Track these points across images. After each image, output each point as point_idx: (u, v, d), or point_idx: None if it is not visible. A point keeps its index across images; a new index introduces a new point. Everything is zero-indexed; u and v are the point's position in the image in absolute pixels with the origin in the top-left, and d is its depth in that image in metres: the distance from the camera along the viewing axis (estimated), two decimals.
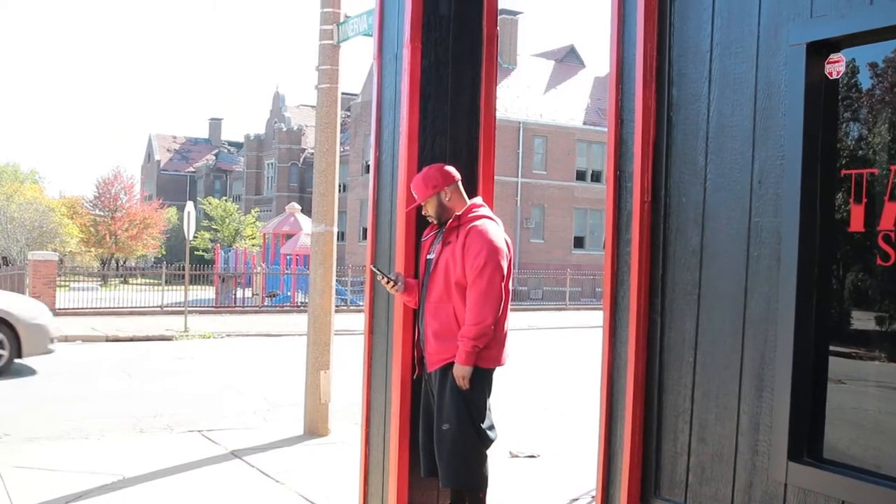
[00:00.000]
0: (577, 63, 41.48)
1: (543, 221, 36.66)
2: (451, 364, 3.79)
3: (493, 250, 3.76)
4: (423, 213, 4.04)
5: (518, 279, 30.94)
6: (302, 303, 24.93)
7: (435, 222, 4.01)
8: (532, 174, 36.13)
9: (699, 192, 3.06)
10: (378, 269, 3.99)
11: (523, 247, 34.76)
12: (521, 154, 35.59)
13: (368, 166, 40.52)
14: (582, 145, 37.38)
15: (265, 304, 24.65)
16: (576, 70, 40.55)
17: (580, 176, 37.46)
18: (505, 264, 3.80)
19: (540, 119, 36.24)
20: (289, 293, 25.75)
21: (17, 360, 10.43)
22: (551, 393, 10.08)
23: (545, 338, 18.54)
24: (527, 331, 19.85)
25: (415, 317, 4.25)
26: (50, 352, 10.59)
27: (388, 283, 3.98)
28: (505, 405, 8.78)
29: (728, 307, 2.91)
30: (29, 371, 10.80)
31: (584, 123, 37.46)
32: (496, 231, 3.86)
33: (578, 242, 37.66)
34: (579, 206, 37.34)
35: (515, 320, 20.90)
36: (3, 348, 10.20)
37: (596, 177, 37.86)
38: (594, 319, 23.47)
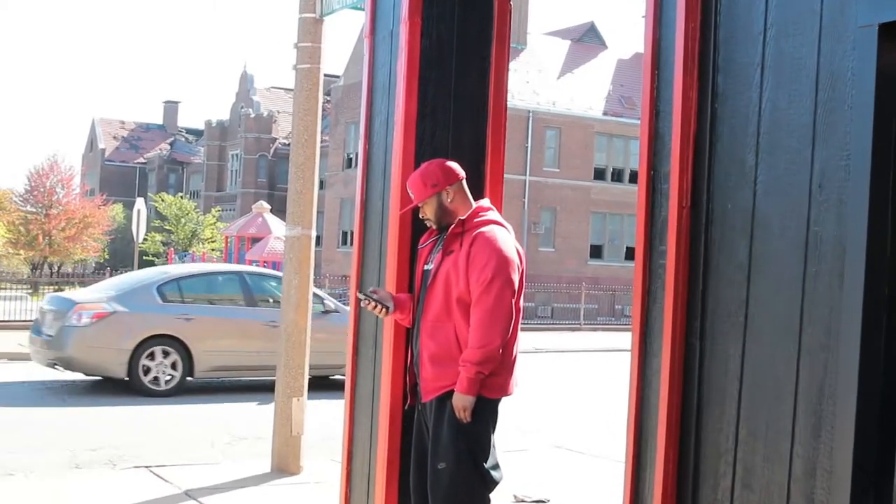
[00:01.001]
0: (597, 43, 41.67)
1: (555, 227, 36.74)
2: (450, 393, 3.78)
3: (503, 261, 3.76)
4: (420, 216, 4.04)
5: (524, 294, 30.96)
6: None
7: (434, 227, 4.02)
8: (542, 172, 36.23)
9: (748, 197, 3.07)
10: (364, 295, 3.99)
11: (531, 256, 34.73)
12: (529, 148, 35.69)
13: (351, 160, 41.04)
14: (601, 139, 37.52)
15: None
16: (595, 52, 40.72)
17: (598, 175, 37.58)
18: (516, 278, 3.80)
19: (553, 108, 36.37)
20: None
21: None
22: (564, 428, 10.08)
23: (556, 362, 18.54)
24: (534, 354, 19.86)
25: (408, 337, 4.24)
26: None
27: (373, 306, 3.98)
28: (510, 441, 8.78)
29: (781, 332, 2.92)
30: None
31: (605, 114, 37.60)
32: (506, 239, 3.87)
33: (595, 252, 37.76)
34: (597, 209, 37.45)
35: (521, 341, 20.91)
36: None
37: (617, 175, 37.98)
38: (613, 341, 23.47)
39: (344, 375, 13.36)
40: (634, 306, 3.49)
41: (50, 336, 11.42)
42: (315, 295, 11.17)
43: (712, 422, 3.14)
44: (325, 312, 12.18)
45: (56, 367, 11.43)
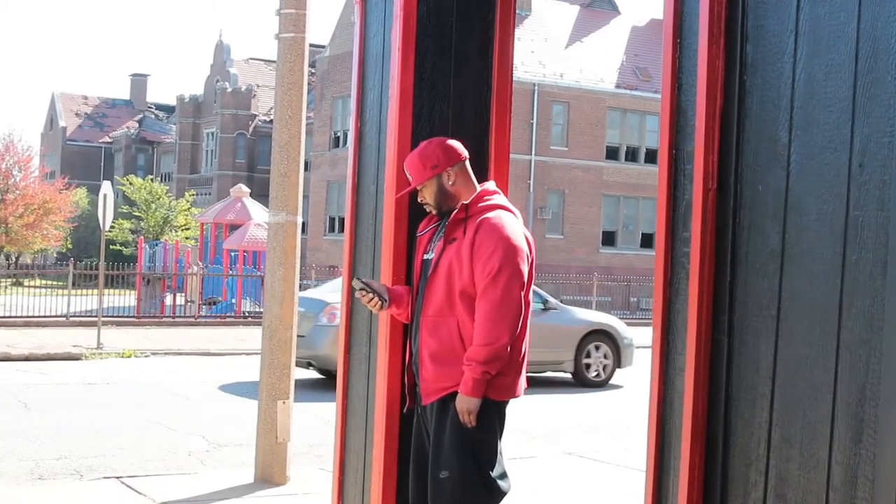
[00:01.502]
0: (609, 9, 41.64)
1: (563, 211, 36.79)
2: (454, 395, 3.79)
3: (511, 250, 3.76)
4: (418, 200, 4.05)
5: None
6: (250, 313, 24.90)
7: (434, 213, 4.02)
8: (549, 151, 36.25)
9: (780, 179, 3.07)
10: (361, 282, 3.99)
11: (536, 244, 34.89)
12: (535, 125, 35.69)
13: (338, 138, 41.07)
14: (614, 114, 37.53)
15: (202, 313, 24.63)
16: (607, 18, 40.69)
17: (611, 154, 37.61)
18: (525, 268, 3.80)
19: (560, 80, 36.35)
20: (233, 300, 25.77)
21: None
22: (577, 433, 10.10)
23: None
24: None
25: (406, 333, 4.25)
26: None
27: (370, 298, 3.98)
28: (518, 447, 8.80)
29: (817, 326, 2.92)
30: None
31: (618, 86, 37.60)
32: (514, 225, 3.87)
33: (608, 239, 37.82)
34: (609, 191, 37.49)
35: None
36: None
37: (631, 155, 38.01)
38: (633, 338, 23.33)
39: (557, 371, 13.84)
40: (655, 299, 3.49)
41: (301, 336, 11.69)
42: (536, 293, 12.27)
43: (742, 426, 3.14)
44: (546, 310, 13.51)
45: (310, 366, 12.72)
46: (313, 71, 43.20)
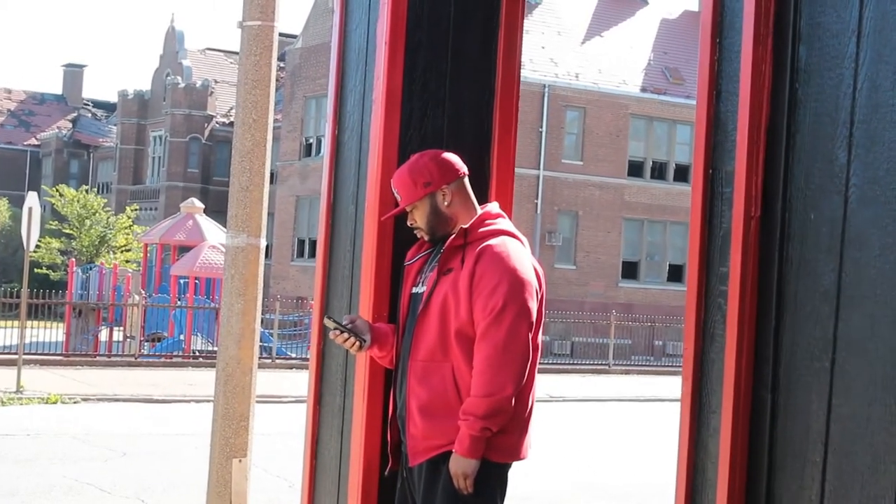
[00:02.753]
0: None
1: (576, 237, 36.85)
2: (447, 455, 3.78)
3: (518, 284, 3.77)
4: (407, 224, 4.05)
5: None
6: (201, 352, 24.84)
7: (426, 239, 4.02)
8: (560, 165, 36.35)
9: (837, 206, 3.08)
10: (333, 321, 3.97)
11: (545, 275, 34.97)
12: (544, 134, 35.81)
13: (310, 145, 41.14)
14: (638, 123, 37.69)
15: (144, 352, 24.55)
16: (632, 8, 40.93)
17: (634, 170, 37.74)
18: (534, 305, 3.81)
19: (575, 81, 36.53)
20: (181, 337, 25.69)
21: None
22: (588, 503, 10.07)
23: (577, 415, 18.56)
24: (549, 403, 19.86)
25: (390, 381, 4.24)
26: None
27: (345, 338, 3.97)
28: None
29: (879, 382, 2.92)
30: None
31: (643, 90, 37.78)
32: (521, 254, 3.88)
33: (629, 270, 37.87)
34: (632, 214, 37.58)
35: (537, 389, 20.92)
36: None
37: (658, 171, 38.14)
38: (653, 388, 23.51)
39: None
40: (686, 346, 3.49)
41: None
42: None
43: (788, 501, 3.14)
44: None
45: None
46: (282, 65, 43.38)
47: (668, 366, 30.46)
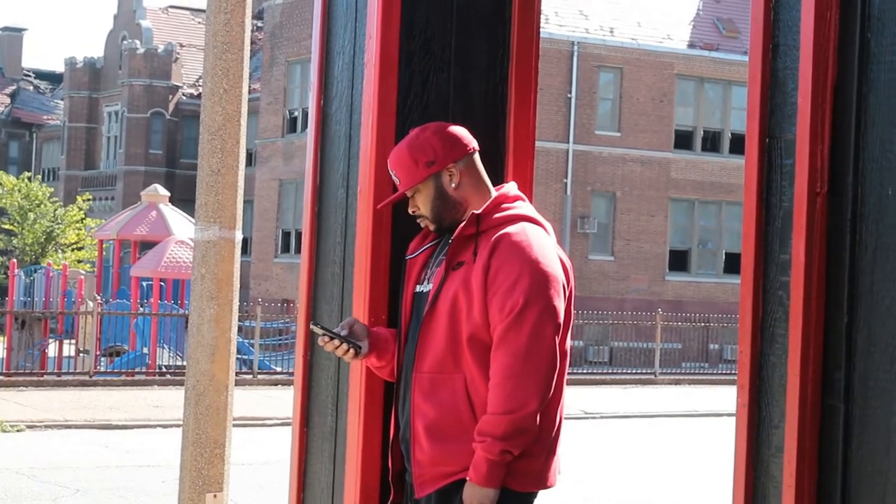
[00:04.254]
0: None
1: (613, 223, 36.83)
2: (460, 484, 3.79)
3: (541, 279, 3.77)
4: (409, 211, 4.06)
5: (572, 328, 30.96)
6: (169, 367, 24.88)
7: (432, 228, 4.04)
8: (594, 137, 36.34)
9: None
10: (321, 328, 3.99)
11: (577, 268, 35.00)
12: (574, 100, 35.77)
13: (295, 119, 41.09)
14: (686, 86, 37.64)
15: (100, 369, 24.58)
16: None
17: (682, 141, 37.70)
18: (561, 304, 3.81)
19: (610, 38, 36.48)
20: (145, 350, 25.73)
21: None
22: None
23: (615, 434, 18.56)
24: (581, 419, 19.88)
25: (390, 396, 4.25)
26: None
27: (336, 345, 3.98)
28: None
29: None
30: None
31: (692, 46, 37.72)
32: (545, 244, 3.88)
33: (677, 261, 37.85)
34: (680, 194, 37.55)
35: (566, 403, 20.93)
36: None
37: (711, 142, 38.10)
38: (709, 401, 23.40)
39: None
40: (741, 349, 3.50)
41: None
42: None
43: None
44: None
45: None
46: (260, 24, 43.46)
47: (725, 374, 30.40)
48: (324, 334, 3.98)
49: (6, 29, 72.46)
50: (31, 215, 48.41)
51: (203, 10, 7.65)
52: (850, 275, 3.23)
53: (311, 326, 4.06)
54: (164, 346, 25.64)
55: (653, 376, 28.94)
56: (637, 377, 29.05)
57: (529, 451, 3.77)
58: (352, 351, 3.99)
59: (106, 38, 59.16)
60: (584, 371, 29.81)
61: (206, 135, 7.37)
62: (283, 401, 19.23)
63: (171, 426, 16.25)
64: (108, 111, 57.76)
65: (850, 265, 3.24)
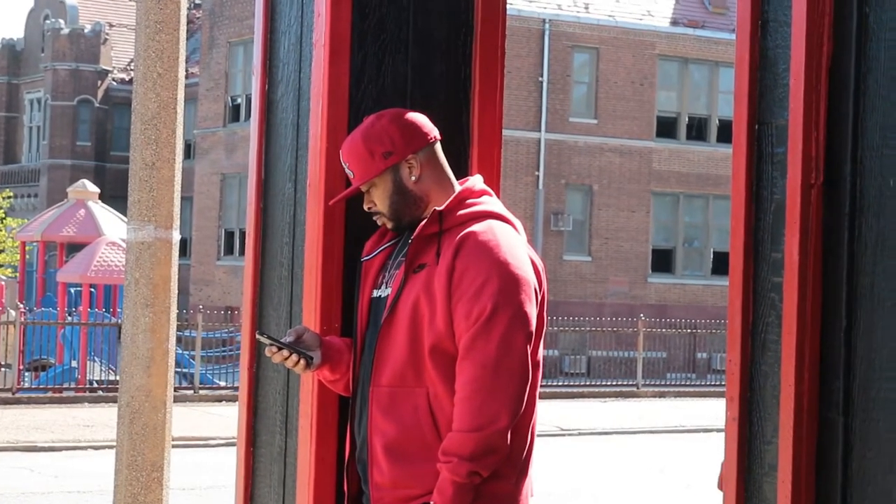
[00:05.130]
0: None
1: (590, 220, 36.91)
2: None
3: (511, 282, 3.77)
4: (364, 207, 4.06)
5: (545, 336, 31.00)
6: (101, 382, 24.78)
7: (389, 227, 4.03)
8: (568, 125, 36.40)
9: None
10: (268, 337, 3.97)
11: (550, 270, 34.97)
12: (545, 84, 35.82)
13: (237, 107, 41.02)
14: (669, 67, 37.75)
15: (24, 385, 24.46)
16: None
17: (665, 129, 37.83)
18: (533, 310, 3.81)
19: (585, 14, 36.55)
20: (74, 363, 25.62)
21: None
22: None
23: (594, 452, 18.60)
24: (556, 437, 19.91)
25: (345, 413, 4.24)
26: None
27: (285, 355, 3.97)
28: None
29: None
30: None
31: (675, 23, 37.84)
32: (514, 244, 3.88)
33: (661, 261, 37.96)
34: (663, 187, 37.67)
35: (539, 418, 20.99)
36: None
37: (697, 129, 38.24)
38: (697, 416, 23.49)
39: None
40: (730, 357, 3.50)
41: None
42: None
43: None
44: None
45: None
46: (198, 2, 43.30)
47: (713, 385, 30.52)
48: (271, 344, 3.96)
49: None
50: None
51: None
52: (849, 274, 3.23)
53: (257, 336, 4.05)
54: (95, 358, 25.56)
55: (635, 388, 29.03)
56: (617, 389, 29.12)
57: (499, 471, 3.76)
58: (302, 362, 3.97)
59: (26, 16, 58.96)
60: (560, 383, 29.89)
61: (138, 124, 7.35)
62: (227, 418, 19.20)
63: (104, 447, 16.20)
64: (29, 98, 57.54)
65: (848, 263, 3.23)
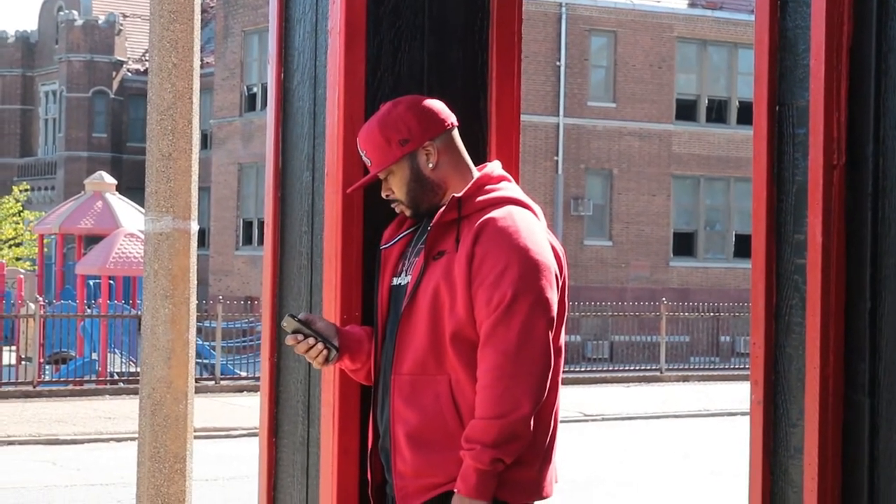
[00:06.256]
0: None
1: (610, 204, 36.84)
2: (447, 497, 3.79)
3: (531, 268, 3.77)
4: (382, 195, 4.05)
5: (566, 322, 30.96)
6: (122, 375, 24.83)
7: (408, 214, 4.03)
8: (587, 109, 36.32)
9: None
10: (297, 320, 3.96)
11: (571, 255, 34.88)
12: (563, 69, 35.75)
13: (254, 96, 41.00)
14: (687, 49, 37.63)
15: (45, 378, 24.51)
16: None
17: (684, 111, 37.72)
18: (554, 295, 3.81)
19: None
20: (94, 356, 25.66)
21: None
22: None
23: (617, 437, 18.59)
24: (579, 422, 19.90)
25: (367, 402, 4.24)
26: None
27: (311, 344, 3.96)
28: None
29: None
30: None
31: (693, 5, 37.73)
32: (534, 229, 3.88)
33: (683, 245, 37.88)
34: (684, 171, 37.57)
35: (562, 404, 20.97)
36: None
37: (717, 112, 38.12)
38: (721, 400, 23.41)
39: None
40: (754, 341, 3.49)
41: None
42: None
43: None
44: None
45: None
46: None
47: (738, 368, 30.50)
48: (295, 331, 3.95)
49: None
50: None
51: None
52: (873, 255, 3.23)
53: (286, 318, 4.00)
54: (116, 350, 25.58)
55: (658, 373, 29.02)
56: (640, 374, 29.12)
57: (523, 458, 3.77)
58: (322, 355, 3.97)
59: (40, 8, 58.96)
60: (582, 369, 29.87)
61: (154, 115, 7.36)
62: (248, 409, 19.23)
63: (126, 440, 16.24)
64: (44, 91, 57.56)
65: (872, 244, 3.23)
